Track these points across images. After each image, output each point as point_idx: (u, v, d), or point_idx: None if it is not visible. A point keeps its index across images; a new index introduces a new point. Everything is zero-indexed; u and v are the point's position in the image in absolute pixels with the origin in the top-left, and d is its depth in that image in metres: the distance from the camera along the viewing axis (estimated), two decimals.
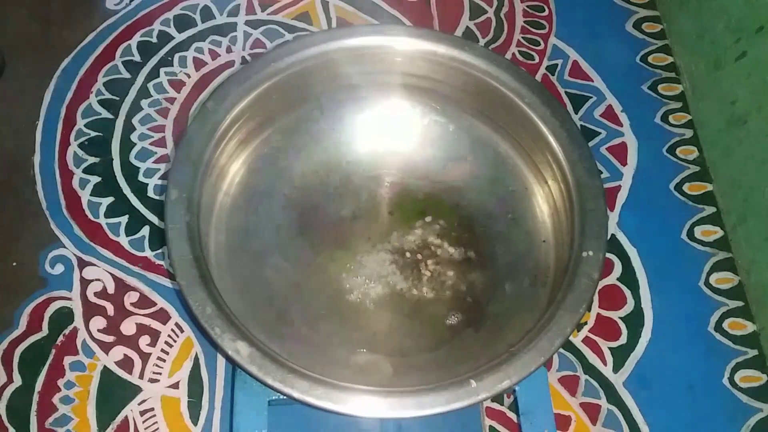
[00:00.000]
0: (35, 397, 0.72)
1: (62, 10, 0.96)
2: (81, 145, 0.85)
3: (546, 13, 0.99)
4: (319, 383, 0.50)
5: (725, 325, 0.77)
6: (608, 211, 0.80)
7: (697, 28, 0.89)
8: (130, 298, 0.77)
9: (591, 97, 0.91)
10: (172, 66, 0.92)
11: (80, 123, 0.87)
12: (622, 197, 0.85)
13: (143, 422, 0.71)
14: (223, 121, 0.61)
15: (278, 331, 0.61)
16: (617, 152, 0.88)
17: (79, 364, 0.73)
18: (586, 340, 0.76)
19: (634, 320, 0.77)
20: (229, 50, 0.93)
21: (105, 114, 0.88)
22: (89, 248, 0.79)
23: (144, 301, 0.77)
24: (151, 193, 0.83)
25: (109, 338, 0.75)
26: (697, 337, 0.77)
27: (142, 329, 0.75)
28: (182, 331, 0.75)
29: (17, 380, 0.72)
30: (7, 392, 0.72)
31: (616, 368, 0.75)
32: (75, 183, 0.83)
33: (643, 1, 1.00)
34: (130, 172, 0.84)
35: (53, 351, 0.74)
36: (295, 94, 0.67)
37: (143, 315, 0.76)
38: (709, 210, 0.84)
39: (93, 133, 0.86)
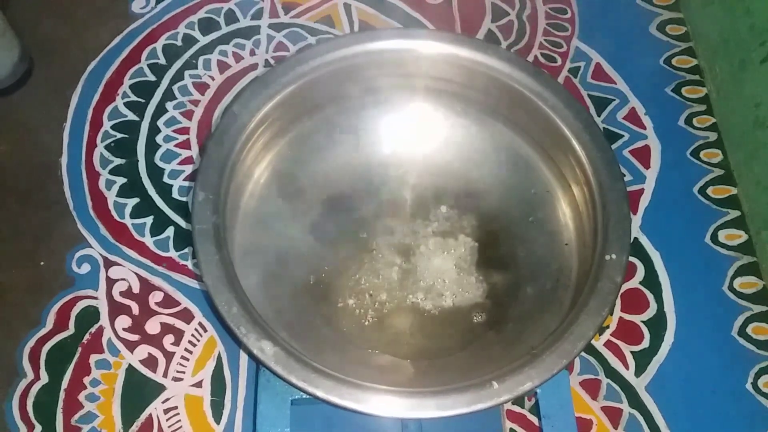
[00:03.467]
0: (61, 395, 0.73)
1: (89, 13, 0.98)
2: (107, 147, 0.87)
3: (569, 15, 0.98)
4: (342, 383, 0.50)
5: (749, 329, 0.77)
6: (631, 214, 0.79)
7: (722, 31, 0.88)
8: (155, 297, 0.78)
9: (614, 100, 0.91)
10: (197, 69, 0.93)
11: (106, 125, 0.88)
12: (645, 200, 0.84)
13: (167, 420, 0.72)
14: (249, 124, 0.62)
15: (300, 331, 0.61)
16: (640, 155, 0.87)
17: (105, 362, 0.74)
18: (608, 344, 0.76)
19: (657, 324, 0.77)
20: (252, 53, 0.94)
21: (131, 116, 0.89)
22: (115, 248, 0.80)
23: (168, 301, 0.78)
24: (175, 195, 0.84)
25: (134, 337, 0.76)
26: (720, 341, 0.76)
27: (166, 328, 0.76)
28: (205, 330, 0.76)
29: (44, 378, 0.74)
30: (34, 389, 0.73)
31: (638, 372, 0.74)
32: (101, 184, 0.84)
33: (666, 3, 0.99)
34: (155, 173, 0.85)
35: (79, 349, 0.75)
36: (319, 97, 0.68)
37: (167, 314, 0.77)
38: (734, 214, 0.83)
39: (119, 135, 0.88)
